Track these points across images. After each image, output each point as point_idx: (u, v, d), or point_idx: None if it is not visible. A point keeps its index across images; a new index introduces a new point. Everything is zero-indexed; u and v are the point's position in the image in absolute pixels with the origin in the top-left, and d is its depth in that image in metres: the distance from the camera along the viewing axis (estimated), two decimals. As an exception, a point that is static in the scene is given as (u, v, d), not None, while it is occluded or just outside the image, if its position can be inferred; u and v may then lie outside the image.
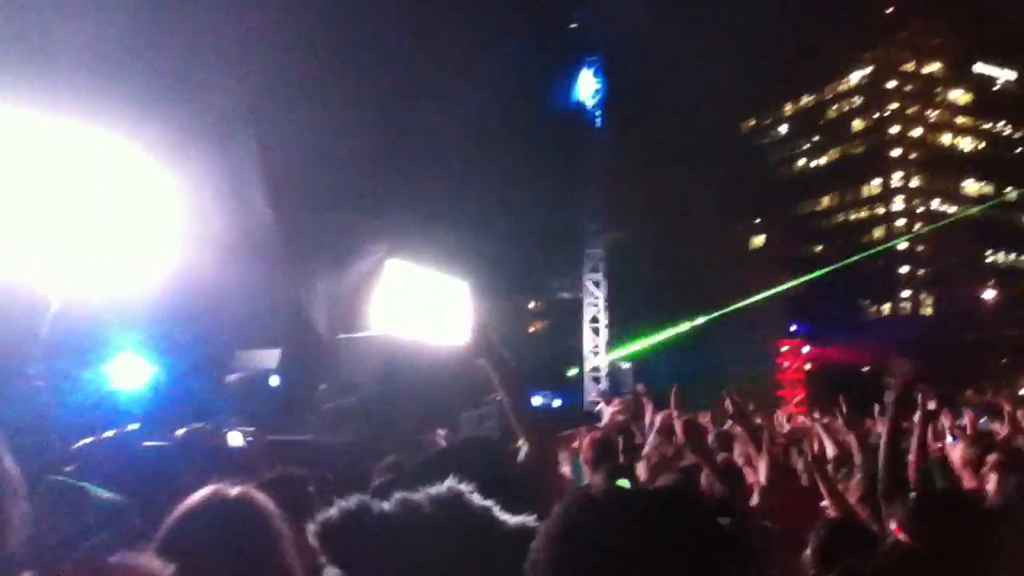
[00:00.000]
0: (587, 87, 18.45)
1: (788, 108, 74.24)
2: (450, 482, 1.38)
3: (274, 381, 7.52)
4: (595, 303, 18.70)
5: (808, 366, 26.62)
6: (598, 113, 18.53)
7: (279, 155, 10.62)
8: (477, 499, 1.35)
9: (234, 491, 1.87)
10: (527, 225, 25.09)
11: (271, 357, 8.23)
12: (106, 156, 7.01)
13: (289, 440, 5.64)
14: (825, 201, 70.96)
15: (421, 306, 10.08)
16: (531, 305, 34.41)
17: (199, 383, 6.67)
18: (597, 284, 18.72)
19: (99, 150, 6.94)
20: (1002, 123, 69.84)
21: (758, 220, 62.14)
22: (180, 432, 4.01)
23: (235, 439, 3.26)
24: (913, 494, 2.89)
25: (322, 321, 10.78)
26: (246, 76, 9.86)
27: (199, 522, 1.79)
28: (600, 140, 18.81)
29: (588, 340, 18.67)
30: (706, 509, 1.36)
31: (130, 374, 5.35)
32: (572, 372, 18.53)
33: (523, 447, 2.55)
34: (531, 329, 32.33)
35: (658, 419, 5.58)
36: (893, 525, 2.38)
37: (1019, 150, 69.50)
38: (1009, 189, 61.92)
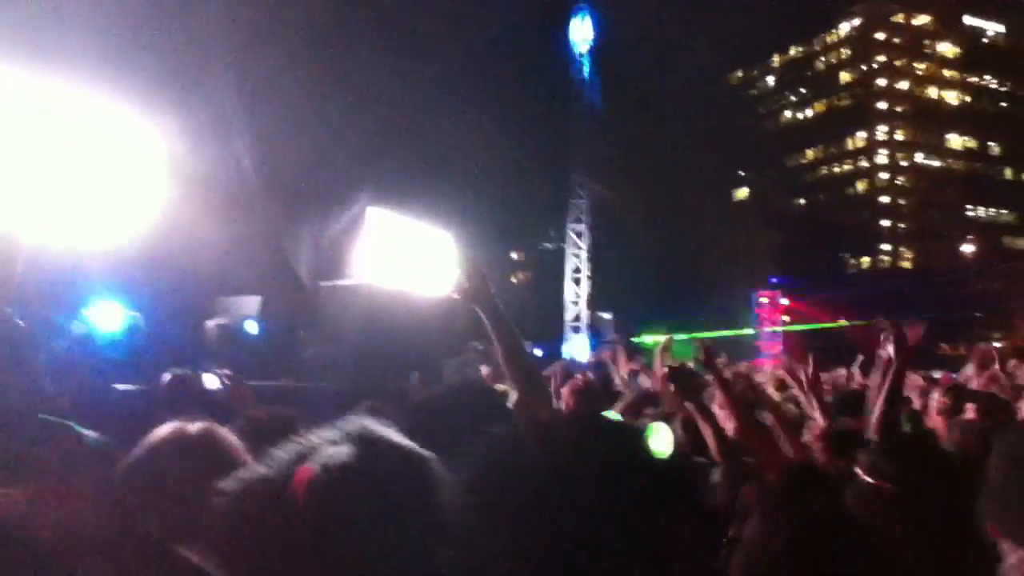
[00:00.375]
0: (576, 37, 18.23)
1: (776, 60, 73.61)
2: (366, 421, 1.29)
3: (254, 328, 7.51)
4: (578, 254, 18.74)
5: (787, 318, 26.87)
6: (585, 63, 18.33)
7: (262, 101, 10.47)
8: (391, 434, 1.28)
9: (196, 426, 1.85)
10: (511, 176, 24.95)
11: (251, 304, 8.20)
12: (86, 103, 6.90)
13: (270, 386, 5.66)
14: (810, 154, 70.86)
15: (404, 255, 10.07)
16: (514, 255, 34.43)
17: (178, 329, 6.67)
18: (580, 235, 18.74)
19: (78, 98, 6.82)
20: (988, 77, 69.59)
21: (743, 172, 62.10)
22: (165, 377, 4.01)
23: (211, 381, 3.28)
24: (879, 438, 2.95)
25: (304, 268, 10.74)
26: (229, 22, 9.66)
27: (160, 457, 1.77)
28: (586, 90, 18.64)
29: (569, 291, 18.76)
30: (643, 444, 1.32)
31: (109, 320, 5.33)
32: (552, 322, 18.68)
33: (511, 393, 2.55)
34: (513, 280, 32.40)
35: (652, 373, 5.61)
36: (860, 468, 2.40)
37: (1005, 104, 69.40)
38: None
